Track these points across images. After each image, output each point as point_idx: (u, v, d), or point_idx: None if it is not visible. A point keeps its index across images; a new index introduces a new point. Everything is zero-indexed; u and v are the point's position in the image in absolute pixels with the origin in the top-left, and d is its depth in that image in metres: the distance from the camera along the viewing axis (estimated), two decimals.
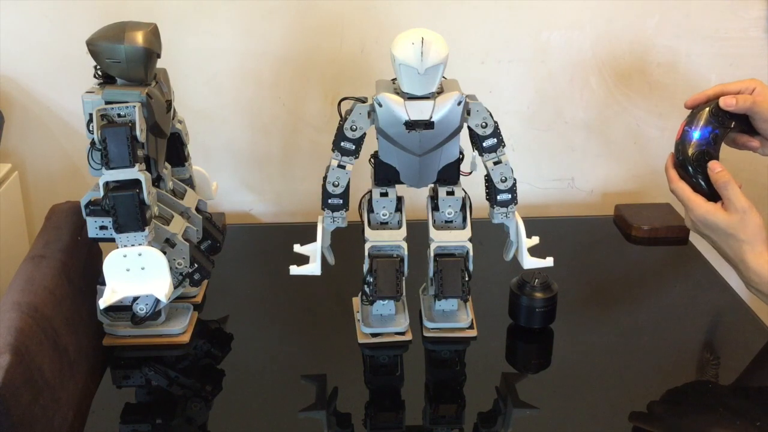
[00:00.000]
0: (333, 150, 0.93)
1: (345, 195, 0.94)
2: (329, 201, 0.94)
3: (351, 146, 0.92)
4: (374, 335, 0.98)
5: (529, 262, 0.96)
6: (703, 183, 0.97)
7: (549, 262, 0.96)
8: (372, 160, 0.96)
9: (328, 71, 1.26)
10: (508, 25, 1.26)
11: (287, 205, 1.35)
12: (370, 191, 0.96)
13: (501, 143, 0.93)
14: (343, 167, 0.92)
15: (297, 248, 0.96)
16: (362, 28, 1.24)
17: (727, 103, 0.97)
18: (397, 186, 0.96)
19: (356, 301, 1.04)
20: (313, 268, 0.95)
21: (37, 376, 0.79)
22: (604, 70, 1.29)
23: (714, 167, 0.96)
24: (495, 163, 0.93)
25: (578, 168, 1.36)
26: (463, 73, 1.25)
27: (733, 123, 0.98)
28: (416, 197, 1.01)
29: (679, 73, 1.31)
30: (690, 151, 0.97)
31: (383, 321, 0.99)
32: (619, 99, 1.32)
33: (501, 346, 1.00)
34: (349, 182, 0.93)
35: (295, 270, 0.95)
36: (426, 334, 0.99)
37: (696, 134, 0.97)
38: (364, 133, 0.92)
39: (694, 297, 1.11)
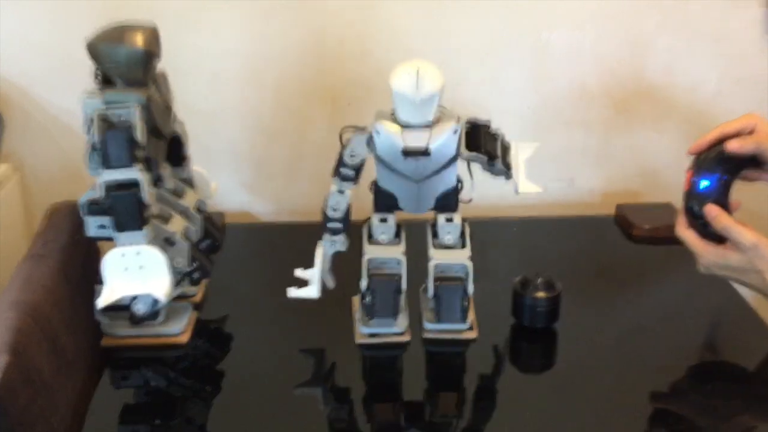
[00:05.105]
0: (333, 176, 0.94)
1: (345, 219, 0.95)
2: (329, 225, 0.95)
3: (350, 173, 0.93)
4: (372, 335, 0.98)
5: (524, 186, 0.96)
6: (714, 231, 0.94)
7: (539, 188, 0.96)
8: (372, 188, 0.97)
9: (329, 72, 1.26)
10: (508, 25, 1.26)
11: (287, 204, 1.35)
12: (371, 218, 0.97)
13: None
14: (342, 192, 0.94)
15: (298, 272, 0.96)
16: (363, 28, 1.24)
17: (732, 148, 0.94)
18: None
19: (356, 300, 1.04)
20: (311, 291, 0.96)
21: (35, 377, 0.79)
22: (603, 70, 1.29)
23: (710, 212, 0.94)
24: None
25: (578, 168, 1.36)
26: (463, 73, 1.26)
27: (741, 165, 0.95)
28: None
29: (679, 73, 1.30)
30: (699, 201, 0.95)
31: (382, 321, 0.99)
32: (618, 99, 1.32)
33: (504, 346, 1.00)
34: (348, 207, 0.95)
35: (293, 293, 0.96)
36: (425, 335, 0.98)
37: (704, 183, 0.95)
38: (363, 160, 0.93)
39: (696, 296, 1.10)
